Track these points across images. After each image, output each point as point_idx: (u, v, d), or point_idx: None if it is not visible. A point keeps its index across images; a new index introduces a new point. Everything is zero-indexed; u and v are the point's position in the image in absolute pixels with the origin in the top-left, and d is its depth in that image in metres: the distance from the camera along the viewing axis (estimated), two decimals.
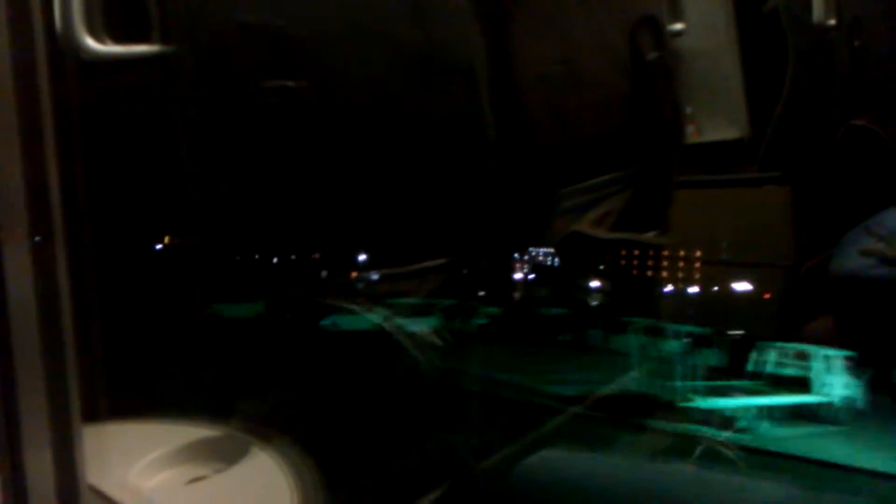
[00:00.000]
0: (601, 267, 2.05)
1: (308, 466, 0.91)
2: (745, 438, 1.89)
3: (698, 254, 2.68)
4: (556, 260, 2.01)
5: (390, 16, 1.56)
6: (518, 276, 1.88)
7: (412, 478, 1.56)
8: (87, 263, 1.02)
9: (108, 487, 0.81)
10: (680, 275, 2.51)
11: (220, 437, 0.96)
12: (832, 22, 2.90)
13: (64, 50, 1.13)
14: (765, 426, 1.81)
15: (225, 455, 0.93)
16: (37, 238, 0.72)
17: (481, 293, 1.75)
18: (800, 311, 2.02)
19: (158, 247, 1.34)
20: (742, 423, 1.96)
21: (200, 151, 1.33)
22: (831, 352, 1.58)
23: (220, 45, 1.33)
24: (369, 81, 1.52)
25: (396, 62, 1.57)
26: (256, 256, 1.42)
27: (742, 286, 2.63)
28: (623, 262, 2.19)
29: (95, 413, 0.95)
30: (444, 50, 1.66)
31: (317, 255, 1.50)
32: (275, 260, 1.44)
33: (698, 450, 1.93)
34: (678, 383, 2.24)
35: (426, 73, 1.61)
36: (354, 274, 1.55)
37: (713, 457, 1.92)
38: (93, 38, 1.18)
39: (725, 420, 2.01)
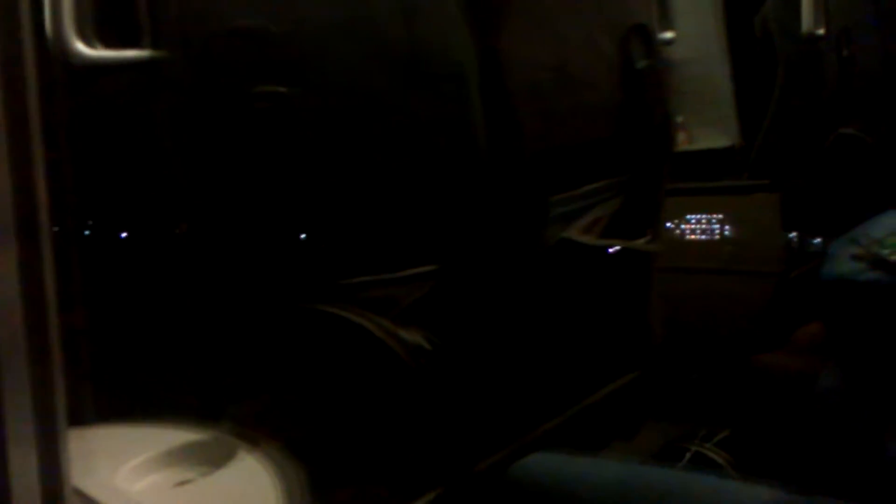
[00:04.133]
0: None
1: (296, 470, 0.91)
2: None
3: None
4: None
5: (382, 22, 1.56)
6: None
7: (407, 479, 1.55)
8: (74, 266, 1.02)
9: (94, 490, 0.81)
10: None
11: (207, 441, 0.96)
12: (821, 31, 2.93)
13: (54, 54, 1.13)
14: None
15: (212, 458, 0.92)
16: (23, 240, 0.71)
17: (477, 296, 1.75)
18: (788, 318, 2.03)
19: (147, 250, 1.34)
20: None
21: (191, 156, 1.33)
22: None
23: (211, 50, 1.33)
24: (360, 87, 1.53)
25: (387, 68, 1.58)
26: (246, 260, 1.42)
27: (731, 293, 2.65)
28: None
29: (81, 416, 0.95)
30: (436, 56, 1.66)
31: (305, 260, 1.50)
32: (264, 264, 1.44)
33: (687, 455, 1.94)
34: None
35: (417, 78, 1.61)
36: (343, 279, 1.55)
37: (703, 460, 1.92)
38: (83, 43, 1.18)
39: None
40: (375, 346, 1.51)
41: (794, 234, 2.77)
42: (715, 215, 2.71)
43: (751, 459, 1.86)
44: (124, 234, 1.31)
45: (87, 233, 1.24)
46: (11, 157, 0.71)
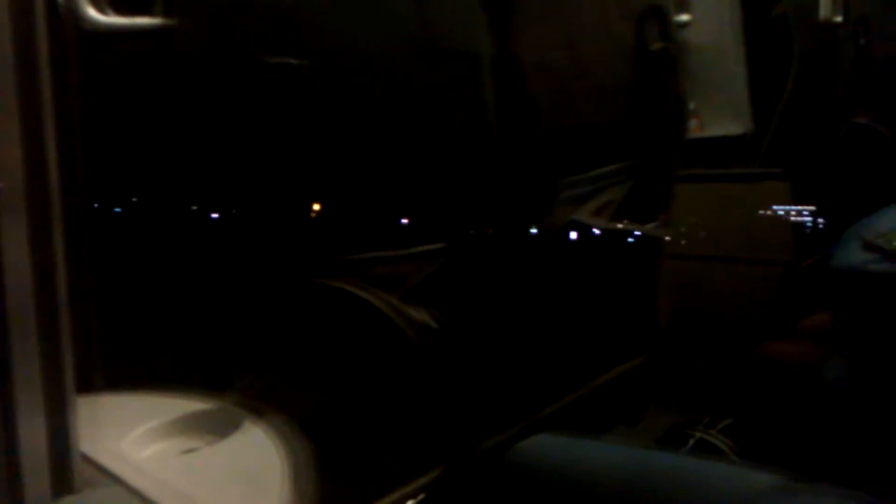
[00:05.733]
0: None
1: (301, 442, 0.91)
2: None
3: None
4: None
5: None
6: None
7: (407, 458, 1.56)
8: (83, 235, 1.02)
9: (102, 457, 0.81)
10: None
11: (214, 411, 0.96)
12: (838, 19, 2.90)
13: (66, 20, 1.13)
14: None
15: (218, 428, 0.93)
16: (34, 213, 0.72)
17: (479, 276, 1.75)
18: (798, 307, 2.02)
19: (155, 220, 1.34)
20: None
21: (199, 128, 1.33)
22: None
23: (223, 20, 1.33)
24: (372, 63, 1.52)
25: (399, 45, 1.57)
26: (255, 234, 1.42)
27: (739, 281, 2.64)
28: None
29: (90, 384, 0.96)
30: (447, 33, 1.65)
31: (314, 235, 1.50)
32: (273, 239, 1.45)
33: (691, 441, 1.94)
34: None
35: (428, 56, 1.60)
36: (353, 255, 1.55)
37: (706, 447, 1.93)
38: (95, 9, 1.18)
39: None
40: (382, 322, 1.51)
41: (803, 223, 2.76)
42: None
43: (754, 447, 1.87)
44: (134, 207, 1.32)
45: (96, 205, 1.24)
46: (23, 128, 0.71)
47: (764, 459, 1.21)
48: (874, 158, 2.88)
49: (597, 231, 2.00)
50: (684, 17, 2.33)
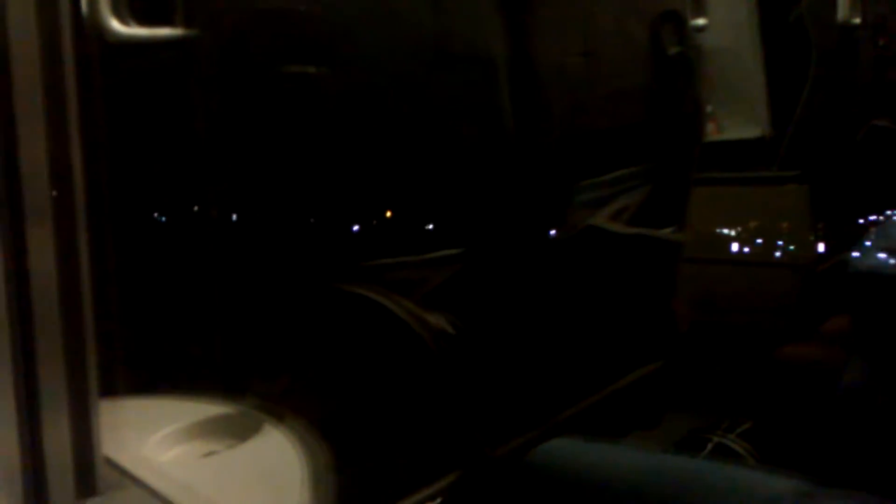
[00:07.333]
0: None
1: (319, 445, 0.92)
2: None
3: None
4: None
5: (409, 4, 1.56)
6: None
7: (425, 462, 1.57)
8: (107, 240, 1.04)
9: (124, 460, 0.82)
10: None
11: (234, 414, 0.97)
12: (857, 21, 2.88)
13: (89, 32, 1.15)
14: None
15: (238, 431, 0.94)
16: (58, 218, 0.73)
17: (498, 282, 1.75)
18: (817, 311, 2.01)
19: (177, 226, 1.35)
20: None
21: (219, 135, 1.35)
22: None
23: (242, 30, 1.34)
24: (389, 70, 1.53)
25: (416, 51, 1.58)
26: (274, 240, 1.43)
27: (758, 284, 2.63)
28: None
29: (112, 388, 0.97)
30: (464, 40, 1.66)
31: (332, 241, 1.52)
32: (291, 244, 1.46)
33: (709, 445, 1.93)
34: None
35: (445, 62, 1.61)
36: (370, 260, 1.56)
37: (724, 451, 1.92)
38: (118, 21, 1.20)
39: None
40: (399, 327, 1.52)
41: (822, 226, 2.74)
42: None
43: (773, 451, 1.86)
44: (156, 213, 1.33)
45: (119, 211, 1.25)
46: (48, 136, 0.73)
47: (783, 464, 1.20)
48: (893, 161, 2.85)
49: (614, 235, 1.99)
50: (701, 21, 2.32)
